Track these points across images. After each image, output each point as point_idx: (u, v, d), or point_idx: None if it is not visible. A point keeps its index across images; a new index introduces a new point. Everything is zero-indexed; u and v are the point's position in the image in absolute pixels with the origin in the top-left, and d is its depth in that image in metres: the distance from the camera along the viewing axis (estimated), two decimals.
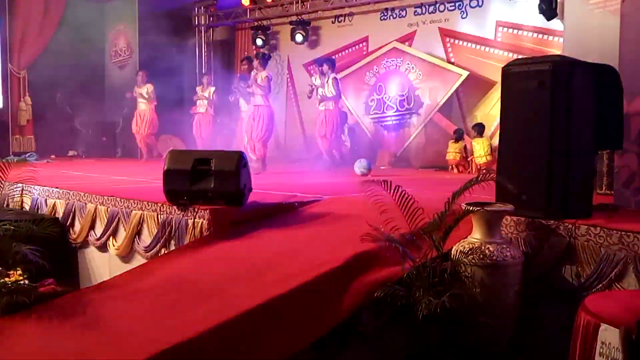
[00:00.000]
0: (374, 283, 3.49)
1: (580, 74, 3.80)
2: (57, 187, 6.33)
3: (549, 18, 8.38)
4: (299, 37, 12.00)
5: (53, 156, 12.04)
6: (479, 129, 9.13)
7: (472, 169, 9.02)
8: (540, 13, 8.47)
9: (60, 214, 6.12)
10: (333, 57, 11.11)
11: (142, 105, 11.60)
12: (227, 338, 3.07)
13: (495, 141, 8.88)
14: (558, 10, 7.97)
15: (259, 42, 12.70)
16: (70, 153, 12.82)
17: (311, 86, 9.57)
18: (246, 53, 13.32)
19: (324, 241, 4.25)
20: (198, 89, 11.77)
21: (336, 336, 3.41)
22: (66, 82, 12.43)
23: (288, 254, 4.04)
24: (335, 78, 9.40)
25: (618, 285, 3.45)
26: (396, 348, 3.60)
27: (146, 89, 11.54)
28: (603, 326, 2.62)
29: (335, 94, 9.33)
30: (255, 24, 13.08)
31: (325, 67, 9.39)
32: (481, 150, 8.92)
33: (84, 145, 13.05)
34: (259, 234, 4.57)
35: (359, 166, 7.91)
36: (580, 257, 3.62)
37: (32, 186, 6.51)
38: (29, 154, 11.57)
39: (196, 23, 14.03)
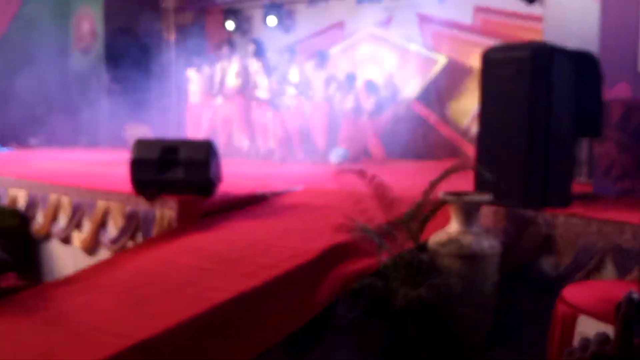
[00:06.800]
0: (349, 275, 3.45)
1: (560, 60, 3.76)
2: (17, 177, 6.10)
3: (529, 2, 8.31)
4: (272, 21, 11.78)
5: (14, 144, 11.69)
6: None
7: None
8: None
9: (21, 205, 5.90)
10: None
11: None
12: (198, 333, 2.99)
13: (470, 126, 8.90)
14: None
15: (229, 25, 12.43)
16: (32, 141, 12.45)
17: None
18: (217, 37, 13.08)
19: (298, 232, 4.17)
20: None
21: (311, 329, 3.34)
22: (27, 67, 12.04)
23: (260, 246, 3.94)
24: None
25: (596, 276, 3.41)
26: (372, 340, 3.55)
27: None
28: (581, 317, 2.58)
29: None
30: (226, 7, 12.82)
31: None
32: None
33: (46, 133, 12.68)
34: (230, 225, 4.46)
35: (336, 155, 7.80)
36: (559, 247, 3.59)
37: None
38: None
39: (164, 6, 13.71)
